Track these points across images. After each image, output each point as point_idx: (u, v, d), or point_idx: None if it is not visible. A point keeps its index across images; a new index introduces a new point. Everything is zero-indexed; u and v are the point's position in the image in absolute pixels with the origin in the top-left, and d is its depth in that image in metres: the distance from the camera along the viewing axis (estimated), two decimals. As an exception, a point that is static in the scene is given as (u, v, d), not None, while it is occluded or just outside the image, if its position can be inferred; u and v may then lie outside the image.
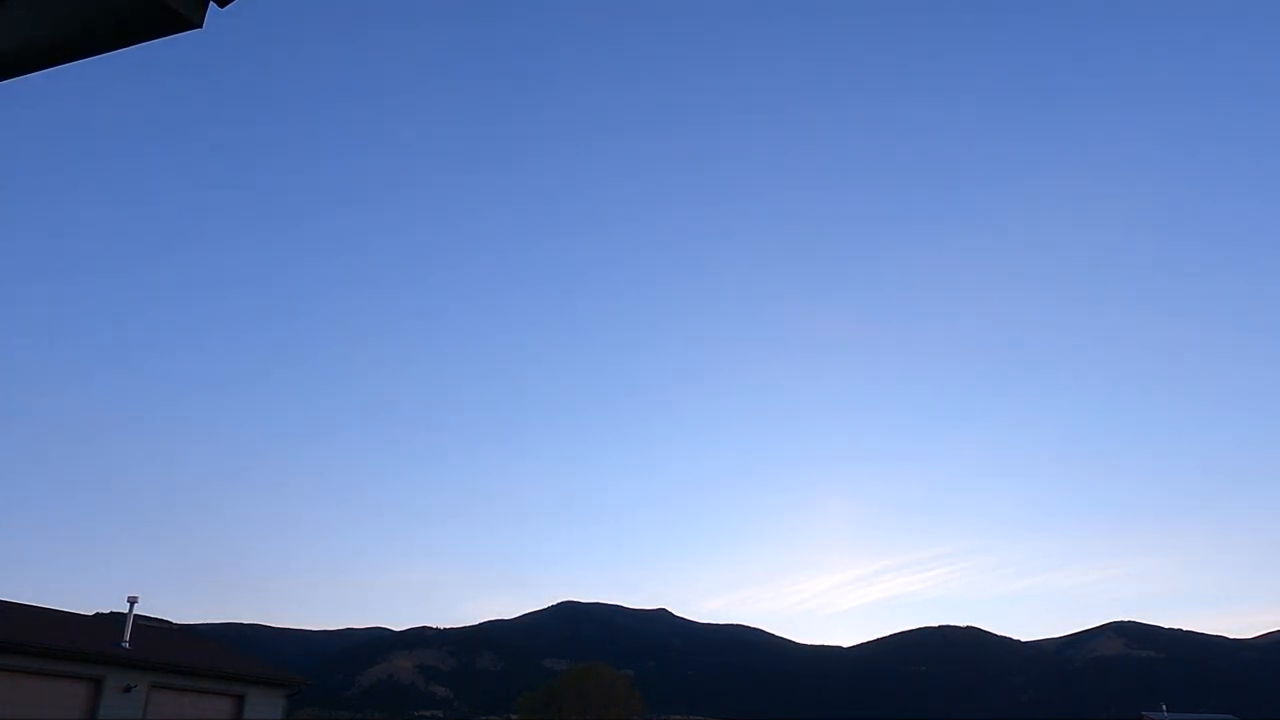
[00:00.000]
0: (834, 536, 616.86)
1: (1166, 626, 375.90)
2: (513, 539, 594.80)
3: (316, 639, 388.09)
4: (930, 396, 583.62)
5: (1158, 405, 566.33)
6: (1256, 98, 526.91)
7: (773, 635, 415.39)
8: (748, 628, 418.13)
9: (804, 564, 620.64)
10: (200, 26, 3.29)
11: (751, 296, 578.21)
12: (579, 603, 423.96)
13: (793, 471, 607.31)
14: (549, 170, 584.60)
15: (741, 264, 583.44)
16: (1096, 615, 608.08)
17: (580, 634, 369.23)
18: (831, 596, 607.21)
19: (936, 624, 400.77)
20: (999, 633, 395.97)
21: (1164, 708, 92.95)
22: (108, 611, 34.14)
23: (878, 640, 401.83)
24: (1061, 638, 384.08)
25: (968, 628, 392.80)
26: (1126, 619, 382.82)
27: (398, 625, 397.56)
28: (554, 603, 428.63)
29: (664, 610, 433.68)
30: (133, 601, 29.51)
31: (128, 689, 26.35)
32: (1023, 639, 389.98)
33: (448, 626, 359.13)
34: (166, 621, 36.28)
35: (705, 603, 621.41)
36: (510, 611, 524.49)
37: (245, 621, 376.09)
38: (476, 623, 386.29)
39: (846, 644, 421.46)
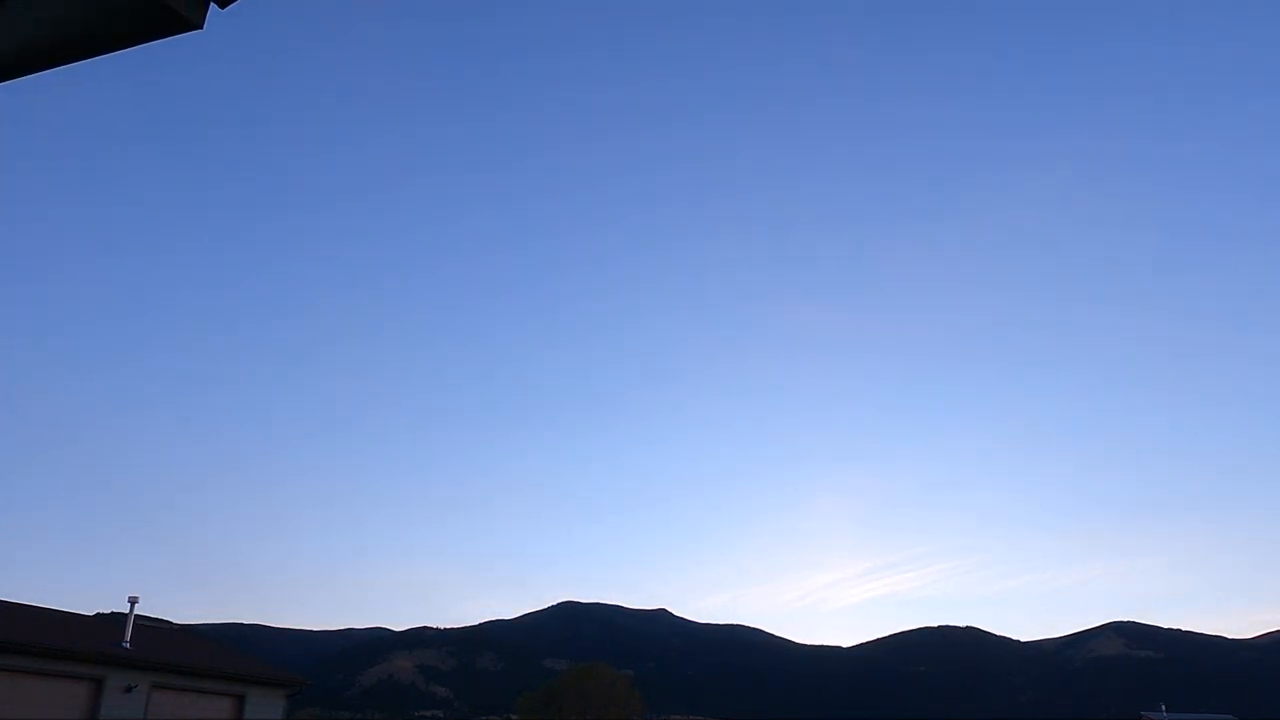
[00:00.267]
0: (833, 535, 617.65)
1: (1166, 626, 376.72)
2: (513, 539, 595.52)
3: (317, 639, 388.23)
4: (929, 396, 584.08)
5: (1157, 405, 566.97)
6: (1235, 91, 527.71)
7: (772, 635, 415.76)
8: (747, 628, 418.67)
9: (804, 563, 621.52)
10: (201, 27, 3.30)
11: (750, 296, 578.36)
12: (579, 603, 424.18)
13: (792, 470, 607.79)
14: (547, 170, 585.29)
15: (737, 263, 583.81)
16: (1096, 615, 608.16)
17: (580, 634, 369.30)
18: (830, 594, 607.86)
19: (936, 624, 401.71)
20: (998, 633, 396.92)
21: (1163, 708, 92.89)
22: (108, 612, 34.21)
23: (877, 640, 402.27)
24: (1061, 638, 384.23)
25: (967, 628, 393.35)
26: (1126, 619, 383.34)
27: (398, 625, 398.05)
28: (554, 603, 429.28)
29: (664, 610, 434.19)
30: (133, 602, 29.54)
31: (129, 689, 26.39)
32: (1022, 639, 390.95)
33: (448, 626, 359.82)
34: (167, 622, 36.31)
35: (704, 599, 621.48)
36: (510, 611, 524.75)
37: (246, 622, 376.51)
38: (476, 623, 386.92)
39: (846, 644, 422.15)
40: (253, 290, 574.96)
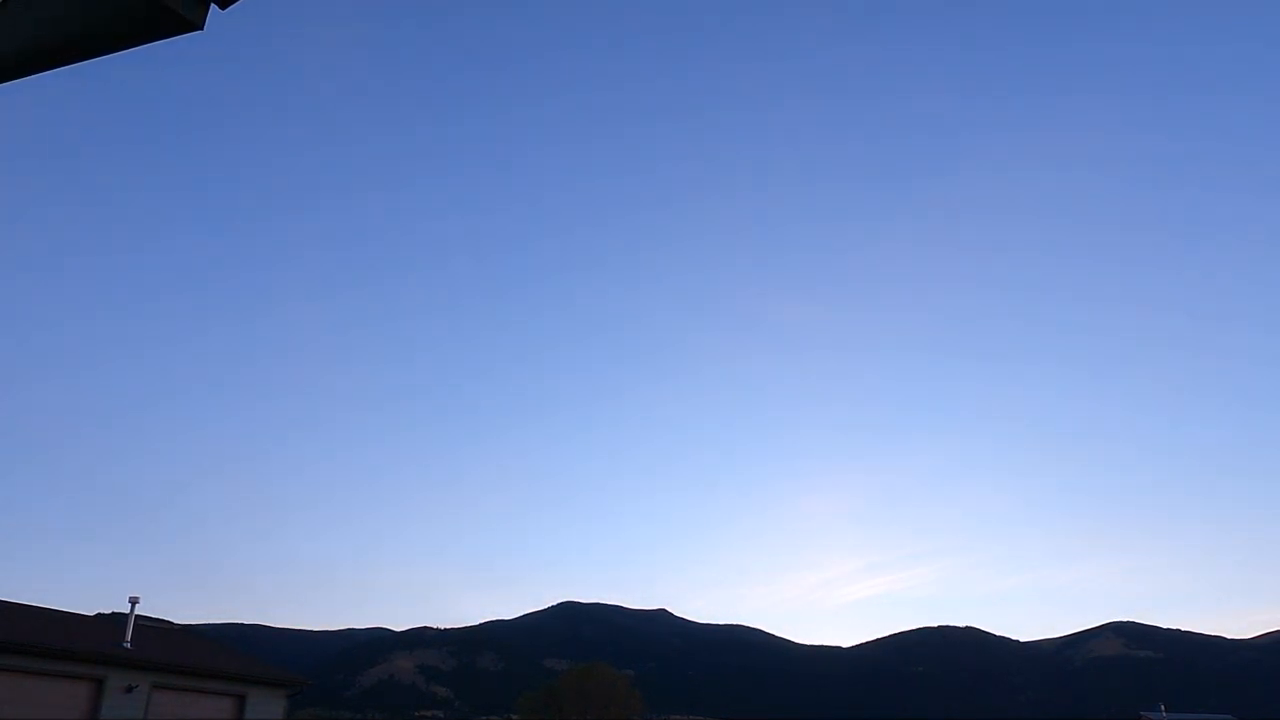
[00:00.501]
0: (833, 535, 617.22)
1: (1165, 627, 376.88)
2: (513, 539, 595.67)
3: (317, 639, 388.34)
4: (927, 394, 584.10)
5: (1156, 404, 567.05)
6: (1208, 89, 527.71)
7: (772, 635, 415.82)
8: (747, 628, 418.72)
9: (803, 563, 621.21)
10: (201, 28, 3.29)
11: (745, 296, 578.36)
12: (579, 603, 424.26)
13: (791, 469, 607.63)
14: (541, 171, 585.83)
15: (730, 262, 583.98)
16: (1095, 615, 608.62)
17: (580, 634, 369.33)
18: (830, 593, 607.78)
19: (936, 624, 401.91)
20: (998, 633, 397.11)
21: (1162, 708, 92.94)
22: (109, 612, 34.31)
23: (877, 640, 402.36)
24: (1060, 638, 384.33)
25: (967, 628, 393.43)
26: (1125, 619, 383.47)
27: (398, 625, 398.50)
28: (554, 603, 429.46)
29: (664, 610, 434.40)
30: (134, 602, 29.60)
31: (129, 689, 26.46)
32: (1022, 639, 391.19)
33: (448, 627, 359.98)
34: (168, 622, 36.39)
35: (704, 599, 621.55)
36: (510, 611, 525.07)
37: (246, 622, 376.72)
38: (477, 623, 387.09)
39: (846, 644, 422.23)
40: (253, 289, 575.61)
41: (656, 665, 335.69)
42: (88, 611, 33.78)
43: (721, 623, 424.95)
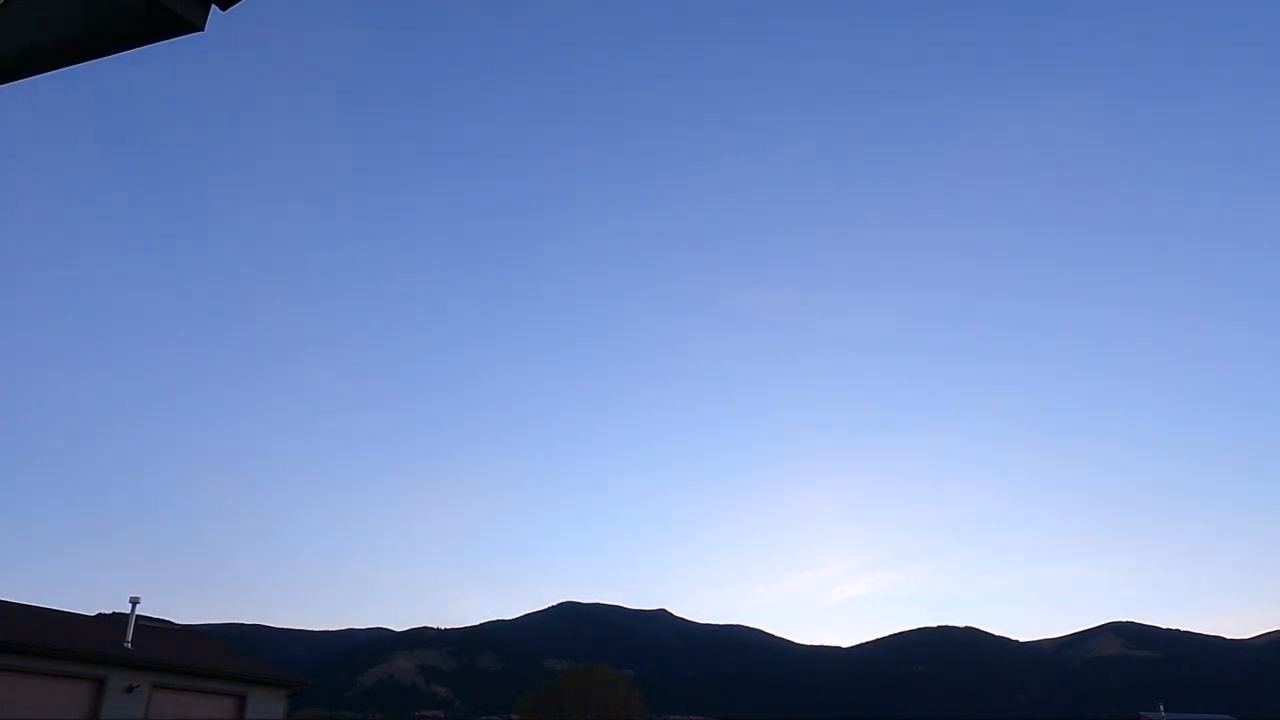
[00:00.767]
0: (833, 535, 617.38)
1: (1164, 627, 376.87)
2: (513, 539, 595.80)
3: (318, 639, 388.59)
4: (926, 397, 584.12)
5: (1156, 404, 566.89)
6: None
7: (772, 635, 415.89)
8: (747, 628, 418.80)
9: (803, 563, 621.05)
10: (202, 29, 3.30)
11: (739, 296, 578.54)
12: (579, 603, 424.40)
13: (791, 469, 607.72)
14: (532, 171, 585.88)
15: (723, 263, 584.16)
16: (1094, 615, 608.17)
17: (580, 634, 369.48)
18: (830, 593, 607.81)
19: (935, 624, 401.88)
20: (997, 633, 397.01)
21: (1162, 708, 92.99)
22: (110, 612, 34.41)
23: (876, 640, 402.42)
24: (1060, 638, 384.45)
25: (966, 628, 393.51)
26: (1124, 619, 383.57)
27: (398, 625, 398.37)
28: (554, 603, 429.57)
29: (664, 610, 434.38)
30: (135, 602, 29.70)
31: (130, 689, 26.56)
32: (1021, 639, 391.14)
33: (448, 627, 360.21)
34: (168, 622, 36.49)
35: (703, 595, 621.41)
36: (511, 611, 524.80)
37: (247, 622, 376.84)
38: (477, 623, 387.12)
39: (845, 644, 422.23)
40: (252, 288, 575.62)
41: (656, 665, 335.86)
42: (88, 612, 33.91)
43: (721, 623, 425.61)
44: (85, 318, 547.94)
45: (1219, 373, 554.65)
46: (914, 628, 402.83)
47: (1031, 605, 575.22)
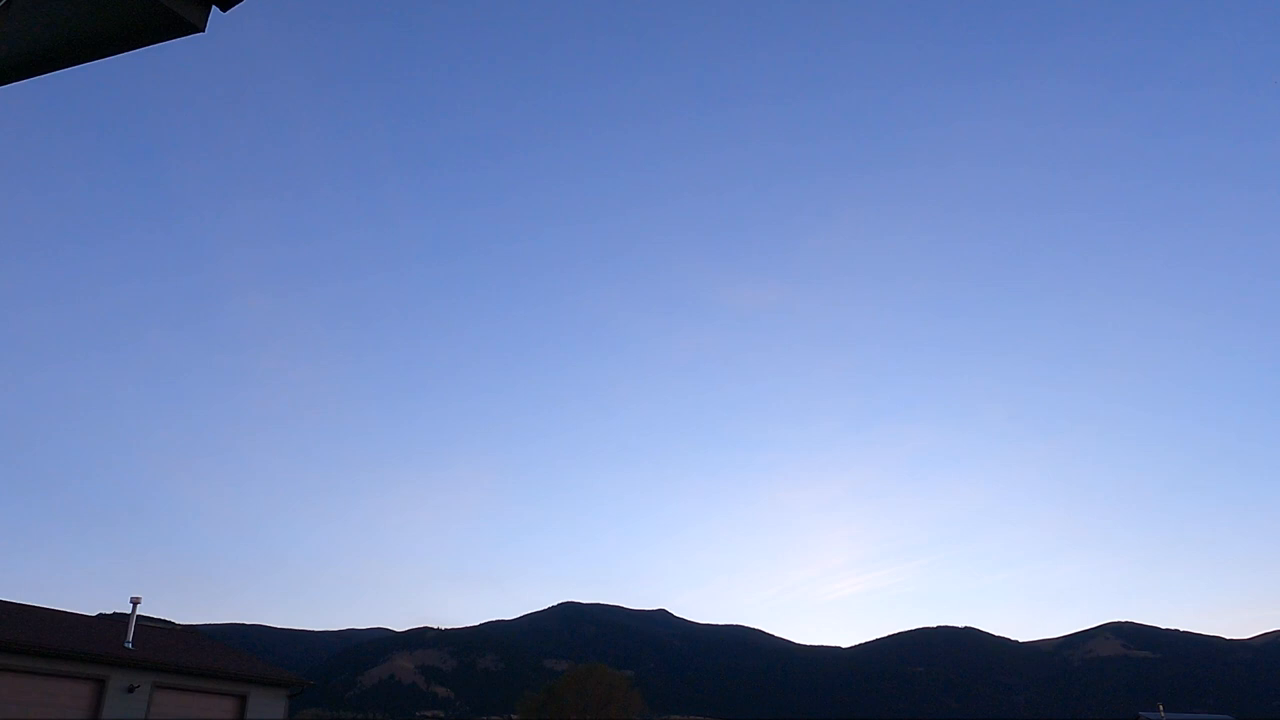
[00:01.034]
0: (832, 534, 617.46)
1: (1163, 627, 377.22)
2: (513, 539, 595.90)
3: (318, 640, 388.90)
4: (924, 399, 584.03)
5: (1155, 403, 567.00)
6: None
7: (772, 635, 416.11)
8: (747, 628, 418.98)
9: (803, 563, 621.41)
10: (203, 30, 3.30)
11: (736, 294, 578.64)
12: (579, 603, 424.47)
13: (790, 468, 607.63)
14: (530, 172, 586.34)
15: (713, 260, 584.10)
16: (1093, 616, 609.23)
17: (580, 634, 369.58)
18: (829, 593, 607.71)
19: (934, 624, 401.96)
20: (996, 633, 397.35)
21: (1160, 708, 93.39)
22: (111, 612, 34.57)
23: (876, 640, 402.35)
24: (1059, 638, 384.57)
25: (965, 628, 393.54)
26: (1123, 619, 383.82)
27: (399, 626, 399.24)
28: (554, 603, 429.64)
29: (664, 610, 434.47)
30: (136, 602, 29.85)
31: (131, 689, 26.72)
32: (1020, 639, 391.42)
33: (449, 627, 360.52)
34: (169, 622, 36.66)
35: (703, 595, 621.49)
36: (511, 612, 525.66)
37: (248, 622, 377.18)
38: (477, 623, 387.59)
39: (845, 644, 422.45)
40: (253, 285, 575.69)
41: (656, 665, 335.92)
42: (89, 612, 34.11)
43: (721, 623, 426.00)
44: (86, 319, 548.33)
45: (1219, 372, 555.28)
46: (913, 628, 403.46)
47: (1030, 605, 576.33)
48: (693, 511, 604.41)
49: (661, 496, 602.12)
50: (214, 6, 3.28)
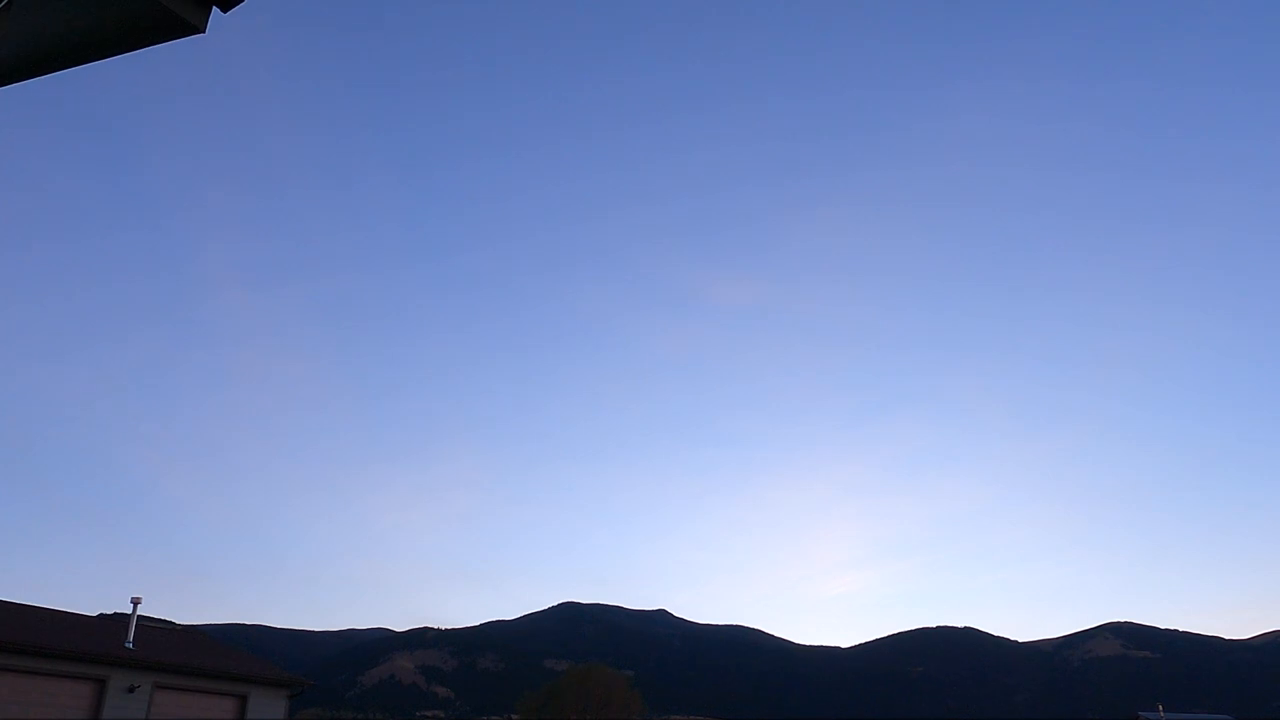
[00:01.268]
0: (831, 533, 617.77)
1: (1163, 627, 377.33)
2: (513, 539, 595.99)
3: (319, 640, 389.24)
4: (924, 394, 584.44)
5: (1156, 404, 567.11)
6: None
7: (772, 635, 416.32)
8: (747, 628, 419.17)
9: (802, 563, 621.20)
10: (203, 31, 3.30)
11: (733, 295, 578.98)
12: (579, 603, 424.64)
13: (789, 466, 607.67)
14: (528, 169, 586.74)
15: (702, 257, 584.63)
16: (1093, 615, 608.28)
17: (580, 634, 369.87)
18: (828, 593, 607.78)
19: (934, 624, 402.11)
20: (996, 633, 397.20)
21: (1160, 708, 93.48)
22: (111, 612, 34.65)
23: (876, 640, 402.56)
24: (1058, 638, 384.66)
25: (965, 628, 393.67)
26: (1123, 619, 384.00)
27: (399, 626, 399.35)
28: (554, 603, 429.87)
29: (664, 610, 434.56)
30: (136, 603, 29.92)
31: (132, 689, 26.79)
32: (1019, 639, 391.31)
33: (449, 627, 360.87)
34: (170, 622, 36.74)
35: (703, 595, 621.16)
36: (511, 612, 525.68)
37: (248, 622, 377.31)
38: (477, 623, 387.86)
39: (845, 644, 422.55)
40: (254, 283, 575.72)
41: (656, 665, 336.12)
42: (90, 612, 34.18)
43: (721, 623, 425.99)
44: (85, 320, 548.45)
45: (1218, 371, 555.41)
46: (913, 628, 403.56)
47: (1030, 605, 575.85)
48: (692, 511, 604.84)
49: (661, 496, 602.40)
50: (214, 7, 3.29)
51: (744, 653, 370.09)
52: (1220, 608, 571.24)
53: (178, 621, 38.23)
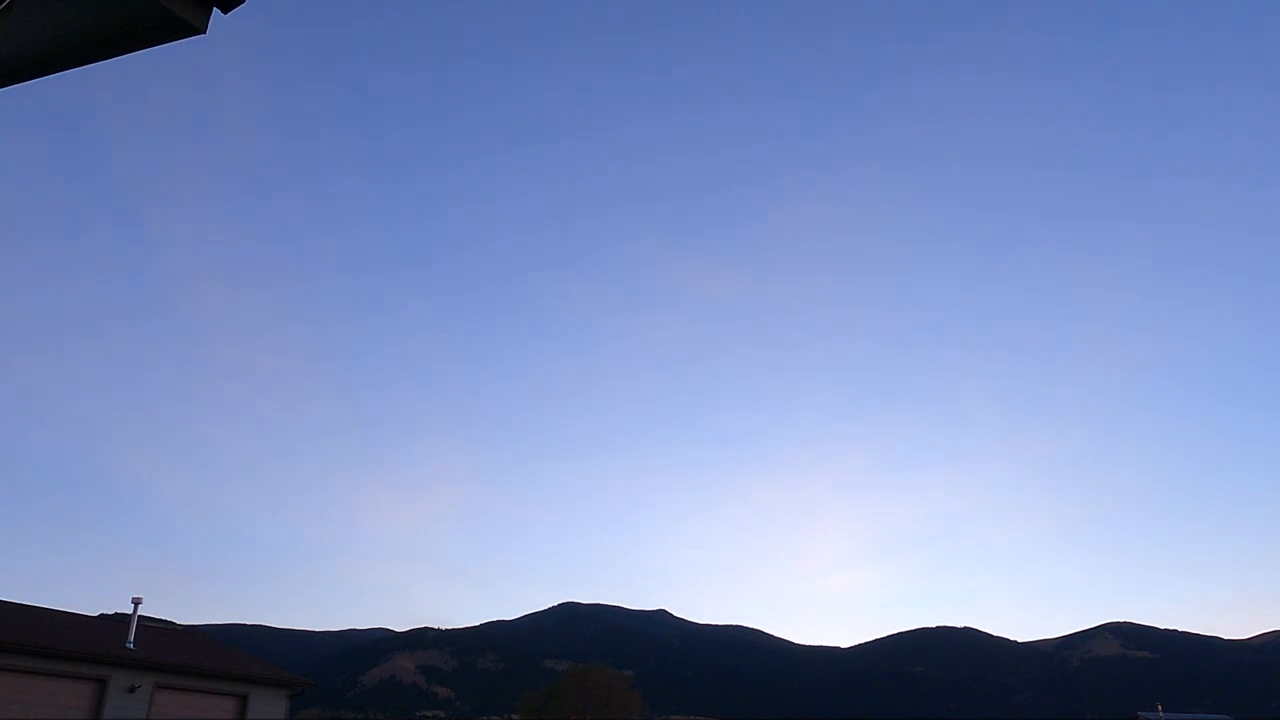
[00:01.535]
0: (831, 533, 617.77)
1: (1162, 627, 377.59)
2: (513, 539, 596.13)
3: (319, 640, 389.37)
4: (924, 393, 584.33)
5: (1156, 404, 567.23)
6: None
7: (771, 635, 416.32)
8: (747, 628, 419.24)
9: (802, 563, 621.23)
10: (204, 32, 3.31)
11: (729, 293, 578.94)
12: (579, 603, 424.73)
13: (787, 467, 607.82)
14: (520, 168, 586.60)
15: (692, 253, 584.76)
16: (1092, 616, 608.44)
17: (580, 634, 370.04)
18: (827, 592, 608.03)
19: (934, 624, 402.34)
20: (995, 633, 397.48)
21: (1159, 708, 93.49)
22: (112, 613, 34.69)
23: (876, 640, 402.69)
24: (1058, 638, 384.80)
25: (964, 628, 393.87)
26: (1122, 619, 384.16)
27: (399, 626, 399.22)
28: (554, 603, 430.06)
29: (664, 610, 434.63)
30: (137, 603, 29.96)
31: (132, 689, 26.84)
32: (1019, 639, 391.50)
33: (449, 627, 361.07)
34: (171, 622, 36.78)
35: (703, 595, 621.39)
36: (511, 612, 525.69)
37: (248, 623, 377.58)
38: (478, 623, 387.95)
39: (845, 644, 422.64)
40: (254, 282, 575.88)
41: (656, 665, 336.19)
42: (90, 612, 34.23)
43: (721, 623, 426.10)
44: (84, 321, 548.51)
45: (1220, 372, 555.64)
46: (913, 628, 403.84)
47: (1030, 606, 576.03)
48: (692, 511, 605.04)
49: (661, 496, 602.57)
50: (215, 8, 3.29)
51: (744, 653, 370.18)
52: (1219, 608, 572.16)
53: (178, 622, 38.29)
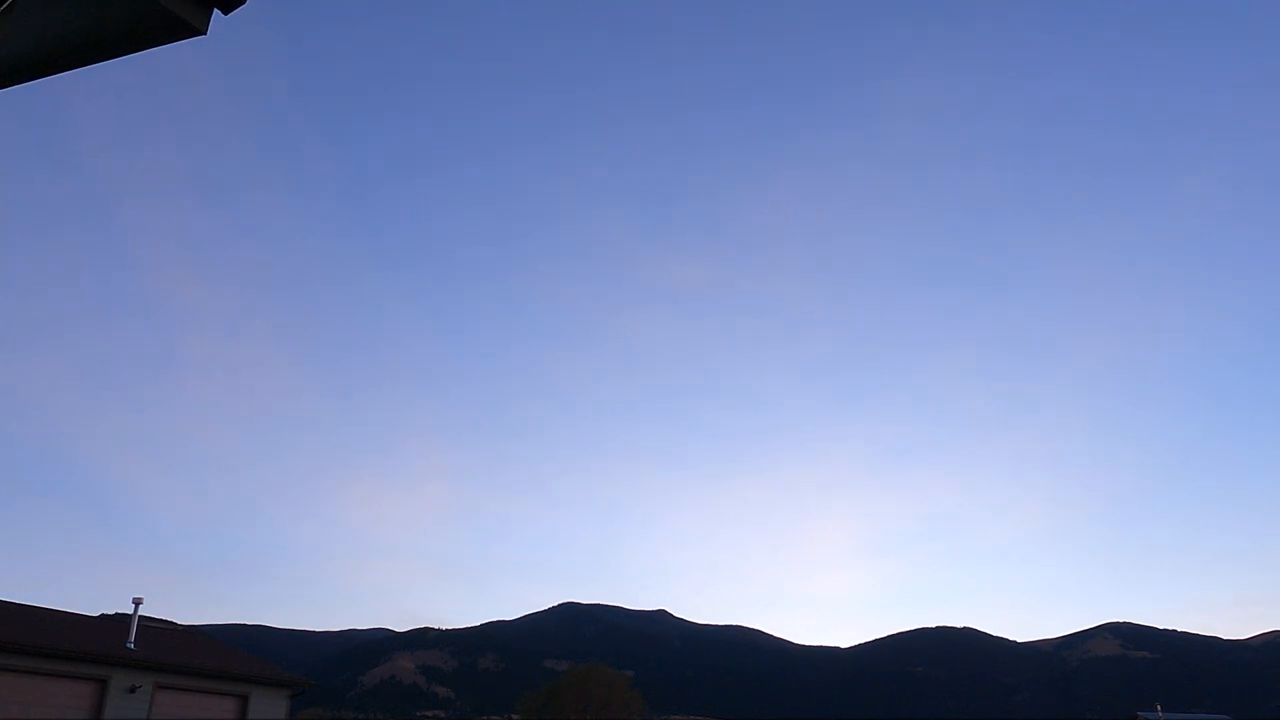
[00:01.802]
0: (830, 533, 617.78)
1: (1161, 627, 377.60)
2: (513, 539, 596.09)
3: (319, 640, 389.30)
4: (923, 394, 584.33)
5: (1156, 404, 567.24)
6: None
7: (772, 635, 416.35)
8: (747, 628, 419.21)
9: (802, 562, 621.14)
10: (204, 33, 3.31)
11: (729, 294, 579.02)
12: (579, 603, 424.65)
13: (787, 466, 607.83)
14: (518, 169, 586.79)
15: (685, 250, 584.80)
16: (1092, 616, 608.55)
17: (580, 634, 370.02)
18: (827, 592, 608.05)
19: (933, 624, 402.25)
20: (995, 633, 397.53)
21: (1159, 708, 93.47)
22: (113, 613, 34.76)
23: (876, 640, 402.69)
24: (1057, 638, 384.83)
25: (964, 628, 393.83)
26: (1122, 620, 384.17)
27: (400, 626, 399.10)
28: (554, 603, 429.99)
29: (664, 610, 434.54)
30: (138, 603, 30.02)
31: (133, 689, 26.91)
32: (1018, 639, 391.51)
33: (449, 627, 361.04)
34: (171, 623, 36.84)
35: (703, 595, 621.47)
36: (511, 612, 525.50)
37: (249, 623, 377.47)
38: (478, 623, 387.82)
39: (845, 644, 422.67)
40: (254, 283, 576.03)
41: (656, 665, 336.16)
42: (91, 613, 34.29)
43: (721, 623, 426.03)
44: (85, 321, 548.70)
45: (1217, 372, 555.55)
46: (913, 628, 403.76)
47: (1029, 605, 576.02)
48: (692, 511, 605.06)
49: (661, 496, 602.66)
50: (216, 9, 3.28)
51: (744, 653, 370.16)
52: (1219, 608, 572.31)
53: (179, 622, 38.36)
